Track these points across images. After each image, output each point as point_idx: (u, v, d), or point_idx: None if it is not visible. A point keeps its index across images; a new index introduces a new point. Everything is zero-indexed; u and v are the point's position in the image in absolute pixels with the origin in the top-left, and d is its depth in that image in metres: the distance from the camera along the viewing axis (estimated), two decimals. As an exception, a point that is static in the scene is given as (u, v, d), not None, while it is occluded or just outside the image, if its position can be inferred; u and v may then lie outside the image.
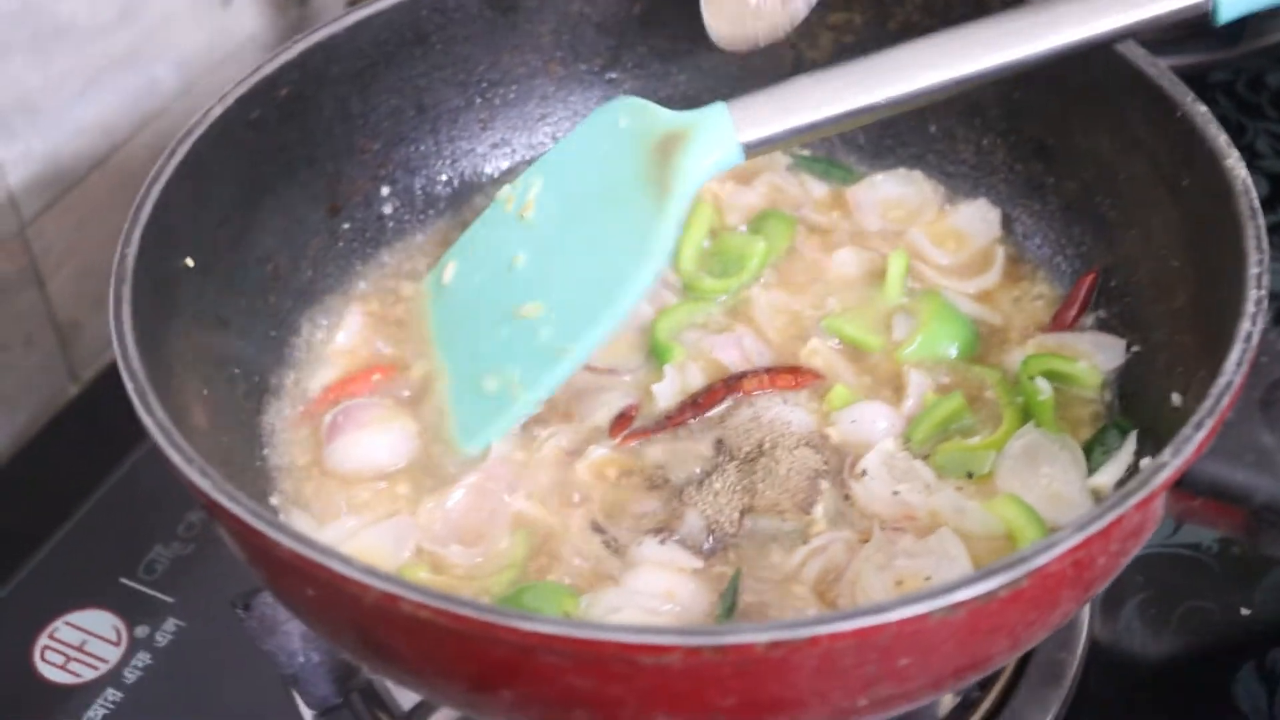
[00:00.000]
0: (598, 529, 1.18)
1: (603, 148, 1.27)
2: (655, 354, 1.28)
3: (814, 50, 1.42)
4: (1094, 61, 1.23)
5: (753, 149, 1.20)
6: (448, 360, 1.30)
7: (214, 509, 1.01)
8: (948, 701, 1.25)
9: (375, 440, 1.25)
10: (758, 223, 1.39)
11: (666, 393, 1.25)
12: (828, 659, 0.92)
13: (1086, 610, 1.30)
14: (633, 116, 1.26)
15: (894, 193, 1.40)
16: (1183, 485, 1.00)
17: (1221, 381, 1.00)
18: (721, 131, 1.20)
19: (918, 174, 1.41)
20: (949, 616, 0.91)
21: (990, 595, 0.92)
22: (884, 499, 1.16)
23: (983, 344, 1.29)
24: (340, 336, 1.34)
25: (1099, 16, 1.15)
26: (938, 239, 1.36)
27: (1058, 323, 1.29)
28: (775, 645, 0.90)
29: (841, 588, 1.12)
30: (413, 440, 1.26)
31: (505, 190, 1.34)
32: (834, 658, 0.92)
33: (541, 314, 1.24)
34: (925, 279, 1.33)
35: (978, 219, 1.37)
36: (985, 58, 1.16)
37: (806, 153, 1.44)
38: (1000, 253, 1.35)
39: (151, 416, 1.05)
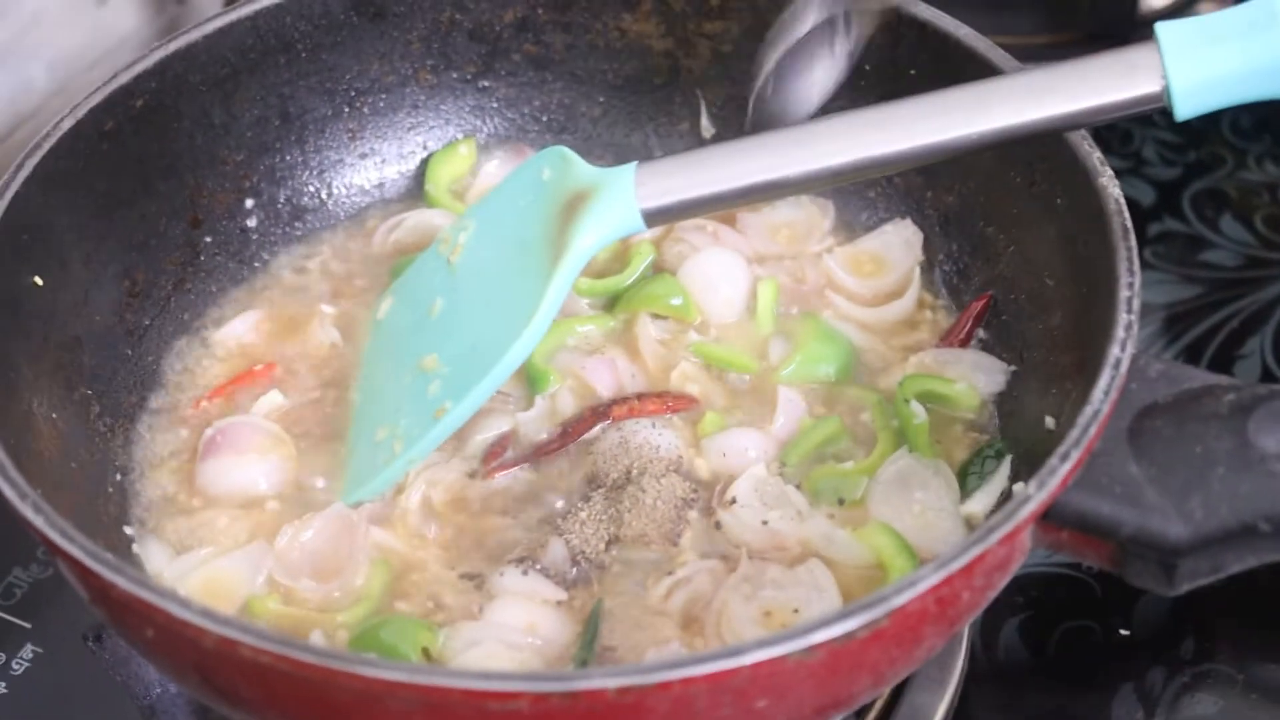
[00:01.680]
0: (459, 560, 1.14)
1: (525, 198, 1.21)
2: (530, 380, 1.24)
3: (691, 59, 1.39)
4: (973, 76, 1.20)
5: (654, 217, 1.14)
6: (360, 399, 1.26)
7: (49, 546, 0.98)
8: (823, 728, 1.23)
9: (251, 468, 1.21)
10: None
11: (534, 424, 1.21)
12: (681, 703, 0.89)
13: (965, 631, 1.28)
14: (554, 168, 1.20)
15: (782, 216, 1.36)
16: (1049, 517, 0.97)
17: (1088, 411, 0.97)
18: (623, 197, 1.13)
19: (803, 197, 1.37)
20: (806, 658, 0.89)
21: (849, 636, 0.89)
22: (754, 529, 1.13)
23: (862, 365, 1.26)
24: (236, 329, 1.31)
25: (1042, 101, 1.06)
26: (855, 264, 1.32)
27: (944, 342, 1.27)
28: (625, 690, 0.87)
29: (707, 619, 1.08)
30: (290, 470, 1.22)
31: (445, 230, 1.29)
32: (687, 701, 0.89)
33: (436, 368, 1.20)
34: (838, 309, 1.29)
35: (898, 243, 1.33)
36: (911, 139, 1.08)
37: None
38: (918, 277, 1.30)
39: (-14, 449, 1.01)
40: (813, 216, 1.35)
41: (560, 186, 1.18)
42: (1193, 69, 1.05)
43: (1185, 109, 1.07)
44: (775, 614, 1.07)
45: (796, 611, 1.07)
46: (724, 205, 1.14)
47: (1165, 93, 1.06)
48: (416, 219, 1.38)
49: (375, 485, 1.18)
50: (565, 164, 1.19)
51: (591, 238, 1.15)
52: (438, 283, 1.25)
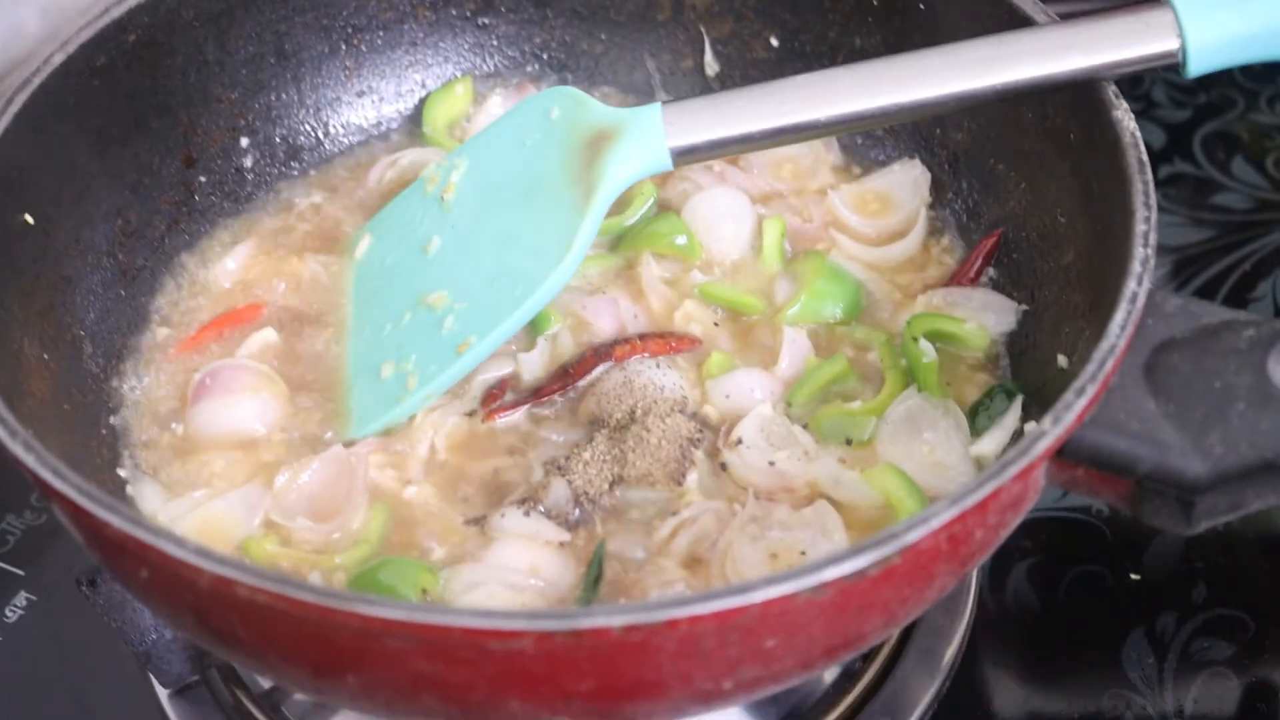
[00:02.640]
0: (461, 502, 1.12)
1: (532, 137, 1.21)
2: (531, 321, 1.21)
3: (694, -6, 1.36)
4: (984, 11, 1.18)
5: (683, 156, 1.14)
6: (354, 337, 1.24)
7: (41, 486, 0.95)
8: (830, 673, 1.21)
9: (242, 408, 1.19)
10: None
11: (535, 365, 1.19)
12: (688, 641, 0.87)
13: (974, 576, 1.26)
14: (565, 108, 1.20)
15: (786, 152, 1.33)
16: (1064, 454, 0.95)
17: (1104, 346, 0.95)
18: (652, 135, 1.14)
19: None
20: (817, 596, 0.87)
21: (860, 574, 0.87)
22: (760, 469, 1.11)
23: (870, 305, 1.24)
24: (228, 268, 1.29)
25: (1061, 56, 1.09)
26: (860, 203, 1.30)
27: (954, 281, 1.24)
28: (631, 629, 0.85)
29: (712, 560, 1.06)
30: (282, 408, 1.19)
31: (430, 169, 1.27)
32: (695, 640, 0.87)
33: (447, 304, 1.19)
34: (843, 249, 1.27)
35: (906, 182, 1.30)
36: (936, 87, 1.10)
37: None
38: (924, 217, 1.28)
39: (-25, 387, 0.99)
40: (817, 153, 1.33)
41: (576, 126, 1.18)
42: (1209, 28, 1.08)
43: (1198, 67, 1.09)
44: (782, 555, 1.05)
45: (803, 554, 1.05)
46: (751, 146, 1.15)
47: (1181, 50, 1.08)
48: (412, 158, 1.35)
49: (390, 418, 1.16)
50: (578, 104, 1.19)
51: (624, 173, 1.15)
52: (430, 221, 1.24)
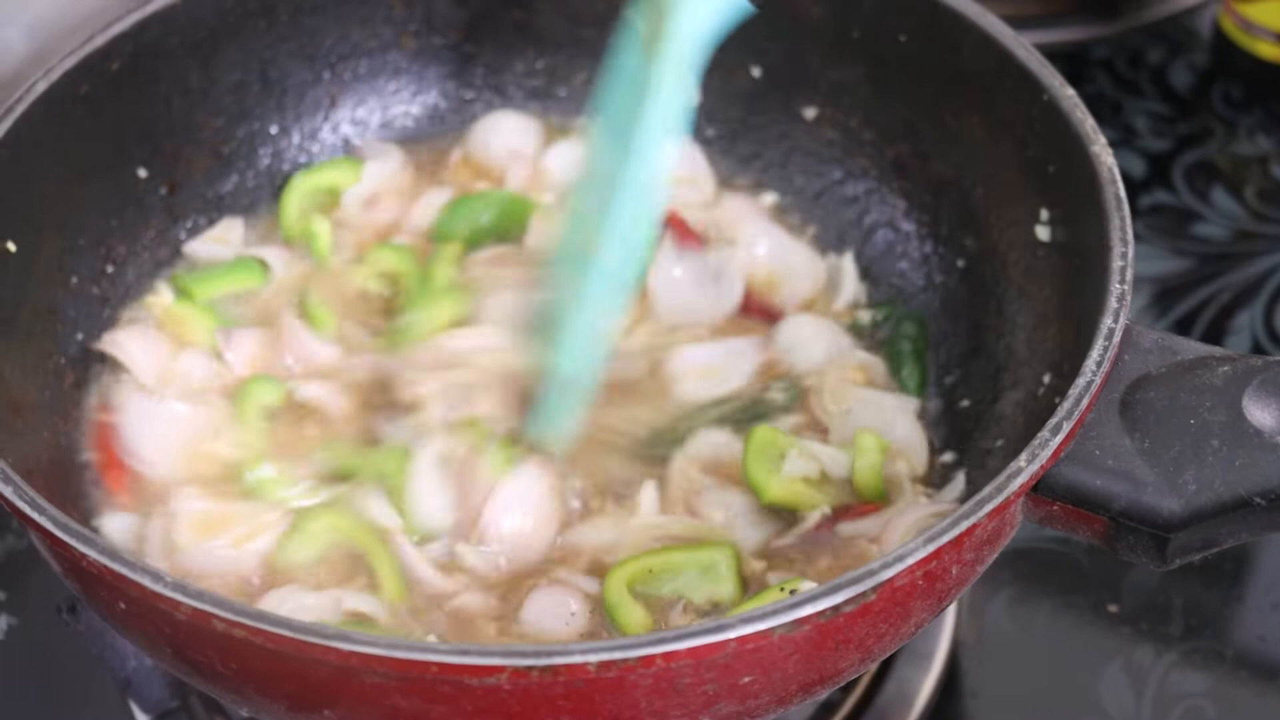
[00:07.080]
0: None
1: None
2: None
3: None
4: (964, 42, 1.19)
5: None
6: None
7: (19, 516, 0.95)
8: (806, 707, 1.21)
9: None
10: None
11: None
12: (664, 677, 0.87)
13: (952, 608, 1.27)
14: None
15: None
16: (1039, 491, 0.95)
17: (1080, 382, 0.95)
18: None
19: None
20: (792, 633, 0.87)
21: (835, 610, 0.87)
22: None
23: None
24: None
25: None
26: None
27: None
28: (606, 665, 0.85)
29: None
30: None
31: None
32: (670, 677, 0.87)
33: None
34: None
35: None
36: None
37: None
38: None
39: (-47, 416, 0.99)
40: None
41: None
42: None
43: None
44: None
45: None
46: None
47: None
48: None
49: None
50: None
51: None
52: None
